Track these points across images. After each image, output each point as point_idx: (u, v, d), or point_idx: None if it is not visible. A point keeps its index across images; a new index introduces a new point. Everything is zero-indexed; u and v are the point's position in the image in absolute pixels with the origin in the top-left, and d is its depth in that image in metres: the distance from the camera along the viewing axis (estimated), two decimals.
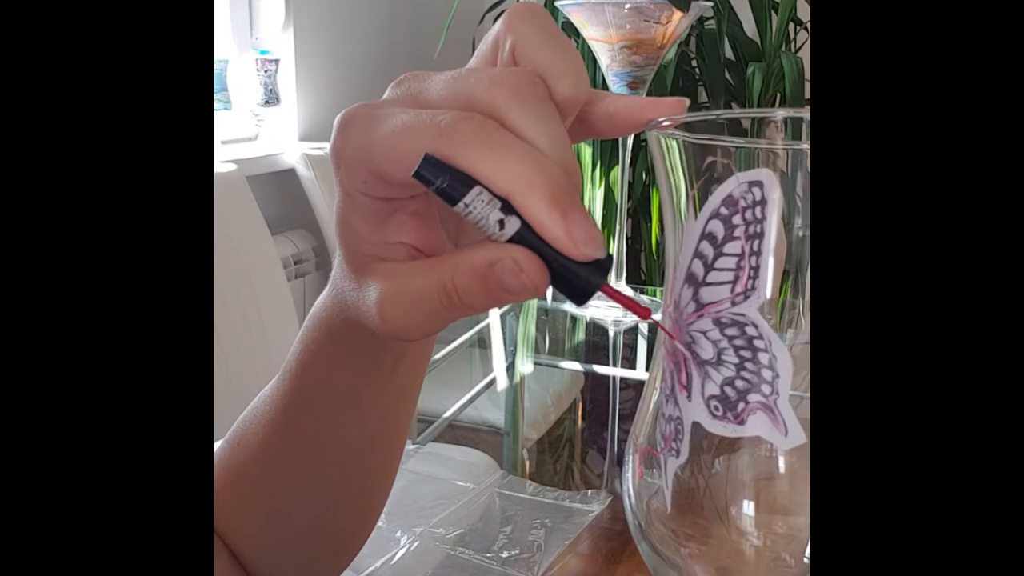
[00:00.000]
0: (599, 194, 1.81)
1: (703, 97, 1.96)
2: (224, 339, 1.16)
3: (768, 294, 0.22)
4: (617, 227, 0.97)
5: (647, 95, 0.89)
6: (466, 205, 0.25)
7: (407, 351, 0.36)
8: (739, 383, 0.22)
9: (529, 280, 0.25)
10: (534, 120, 0.26)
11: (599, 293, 0.25)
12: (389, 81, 0.29)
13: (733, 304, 0.22)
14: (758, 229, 0.22)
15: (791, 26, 1.92)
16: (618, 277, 0.95)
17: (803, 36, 2.01)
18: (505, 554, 0.54)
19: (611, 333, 0.98)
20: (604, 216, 1.83)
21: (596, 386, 0.90)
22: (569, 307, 1.05)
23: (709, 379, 0.22)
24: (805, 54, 1.91)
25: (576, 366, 0.93)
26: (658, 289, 2.03)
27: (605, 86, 1.24)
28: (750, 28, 1.98)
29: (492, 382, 0.90)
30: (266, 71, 1.90)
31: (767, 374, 0.22)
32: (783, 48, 1.88)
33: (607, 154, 1.82)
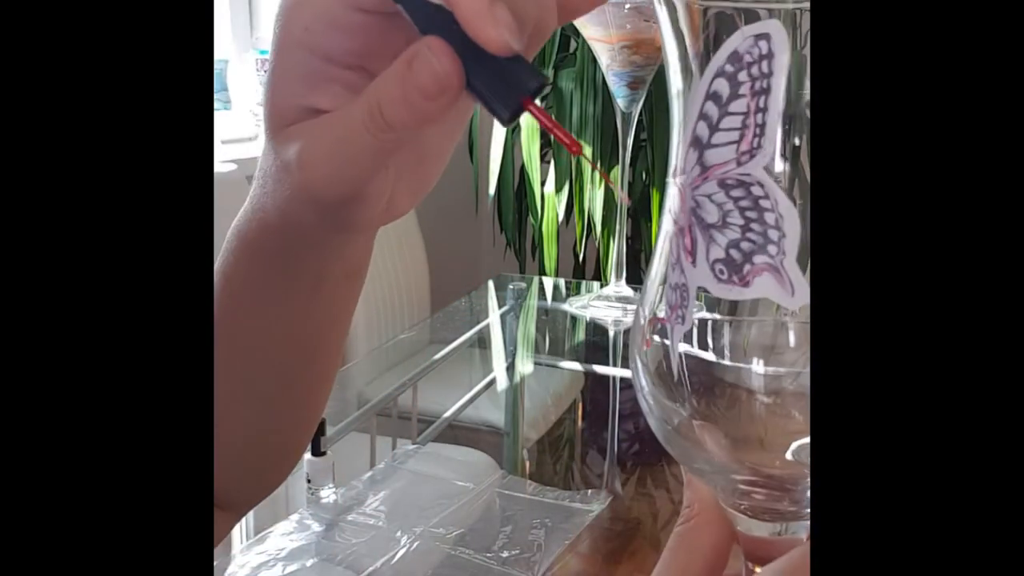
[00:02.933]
0: (599, 194, 1.80)
1: None
2: None
3: (775, 152, 0.21)
4: (617, 227, 0.97)
5: (648, 95, 0.89)
6: None
7: (329, 269, 0.35)
8: (744, 245, 0.21)
9: (439, 66, 0.25)
10: None
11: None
12: None
13: (739, 164, 0.21)
14: (764, 84, 0.21)
15: None
16: (618, 277, 0.95)
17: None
18: (505, 554, 0.54)
19: (611, 333, 0.98)
20: (604, 216, 1.83)
21: (596, 386, 0.90)
22: (568, 307, 1.05)
23: (714, 243, 0.22)
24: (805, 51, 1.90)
25: (576, 366, 0.93)
26: None
27: (605, 86, 1.24)
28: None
29: (492, 382, 0.90)
30: (266, 71, 1.90)
31: (773, 234, 0.21)
32: None
33: (607, 154, 1.82)
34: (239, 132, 1.89)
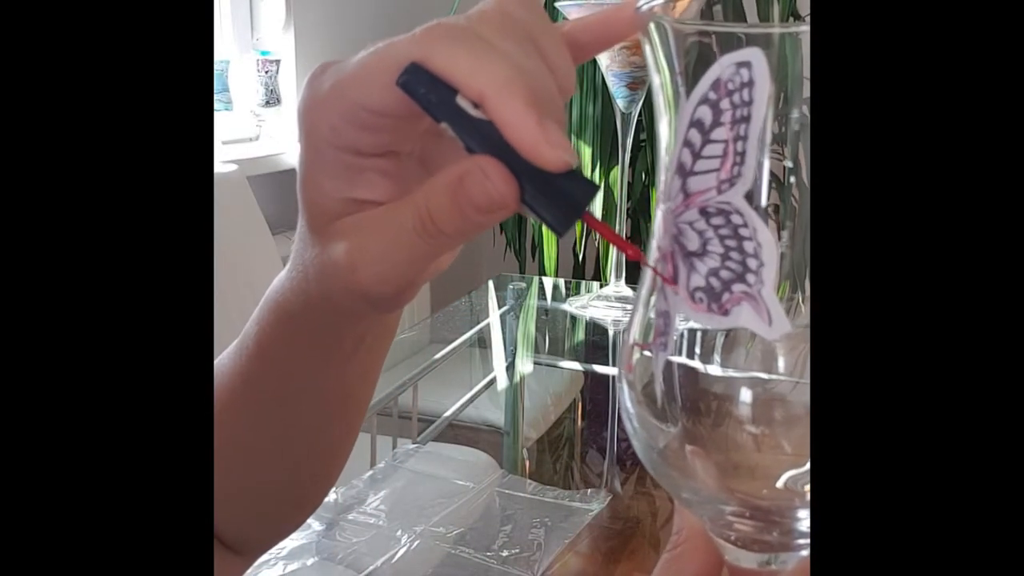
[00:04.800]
0: (599, 194, 1.81)
1: None
2: (224, 338, 1.15)
3: (755, 180, 0.21)
4: (617, 227, 0.97)
5: (647, 95, 0.89)
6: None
7: (366, 335, 0.35)
8: (724, 273, 0.21)
9: (494, 188, 0.24)
10: (514, 41, 0.25)
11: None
12: None
13: (719, 192, 0.21)
14: (745, 112, 0.21)
15: (790, 20, 1.92)
16: (618, 277, 0.95)
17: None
18: (505, 553, 0.55)
19: (611, 333, 0.98)
20: (604, 216, 1.83)
21: (596, 386, 0.90)
22: (568, 307, 1.05)
23: (695, 270, 0.22)
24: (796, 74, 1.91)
25: (576, 366, 0.93)
26: None
27: (605, 87, 1.24)
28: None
29: (492, 382, 0.90)
30: (267, 72, 1.90)
31: (752, 263, 0.21)
32: None
33: (607, 154, 1.82)
34: (239, 132, 1.89)
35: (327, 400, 0.38)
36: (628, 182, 1.36)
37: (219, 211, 1.18)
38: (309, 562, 0.54)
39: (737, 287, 0.21)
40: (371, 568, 0.53)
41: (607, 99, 1.71)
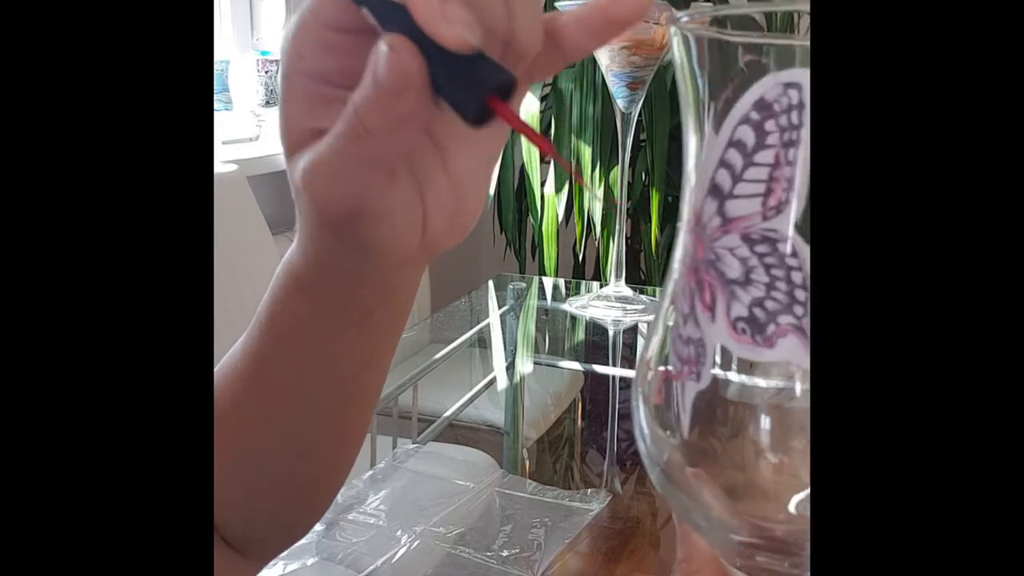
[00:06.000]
0: (599, 194, 1.81)
1: None
2: (224, 338, 1.15)
3: (803, 208, 0.20)
4: (617, 227, 0.97)
5: (647, 95, 0.89)
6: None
7: (374, 309, 0.35)
8: (769, 304, 0.20)
9: (400, 64, 0.25)
10: None
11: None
12: None
13: (764, 219, 0.20)
14: (794, 136, 0.20)
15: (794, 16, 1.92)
16: (618, 277, 0.95)
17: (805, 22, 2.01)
18: (505, 553, 0.55)
19: (611, 333, 0.98)
20: (604, 216, 1.83)
21: (596, 386, 0.90)
22: (568, 307, 1.05)
23: (736, 299, 0.21)
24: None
25: (576, 366, 0.93)
26: (658, 289, 2.03)
27: (605, 87, 1.24)
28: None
29: (492, 382, 0.90)
30: (267, 71, 1.90)
31: (800, 294, 0.20)
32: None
33: (607, 154, 1.82)
34: (239, 132, 1.89)
35: (337, 380, 0.38)
36: (628, 182, 1.36)
37: (219, 211, 1.18)
38: (309, 562, 0.54)
39: (784, 319, 0.20)
40: (371, 568, 0.53)
41: (607, 99, 1.71)
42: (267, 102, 1.92)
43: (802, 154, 0.20)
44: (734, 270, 0.21)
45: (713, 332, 0.21)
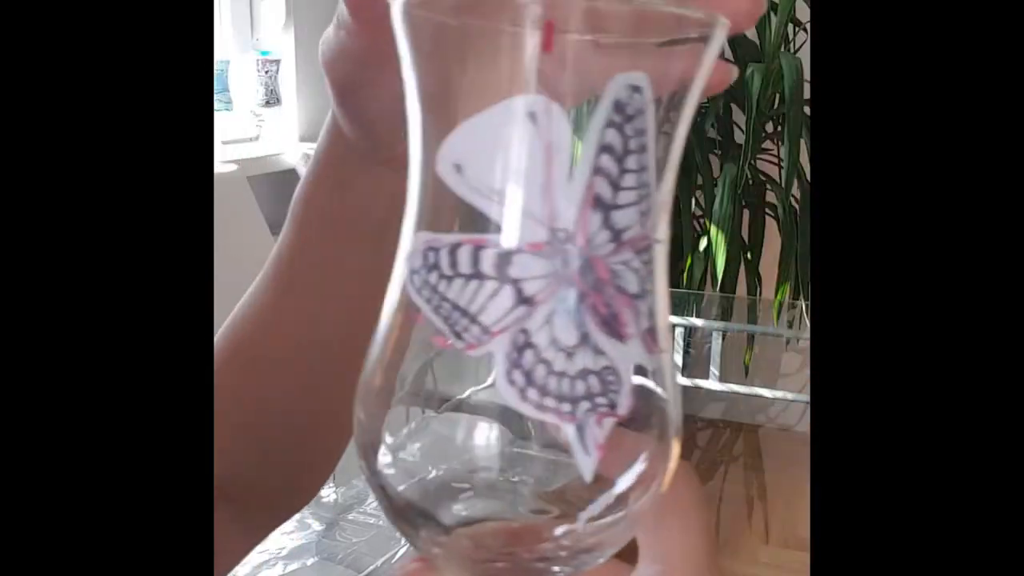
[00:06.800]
0: None
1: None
2: None
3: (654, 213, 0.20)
4: None
5: None
6: None
7: (387, 223, 0.34)
8: (662, 312, 0.20)
9: None
10: None
11: None
12: None
13: (642, 227, 0.19)
14: (643, 143, 0.19)
15: (790, 27, 1.92)
16: None
17: (802, 37, 2.01)
18: None
19: None
20: None
21: None
22: None
23: (640, 314, 0.20)
24: (804, 55, 1.91)
25: None
26: None
27: None
28: (749, 29, 1.98)
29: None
30: (267, 72, 1.90)
31: (661, 300, 0.20)
32: (782, 49, 1.88)
33: None
34: (239, 132, 1.89)
35: (352, 307, 0.37)
36: None
37: (219, 211, 1.18)
38: (309, 562, 0.54)
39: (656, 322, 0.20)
40: (371, 568, 0.53)
41: None
42: (267, 102, 1.92)
43: (649, 159, 0.19)
44: (633, 285, 0.19)
45: (624, 353, 0.19)
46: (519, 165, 0.19)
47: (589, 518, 0.20)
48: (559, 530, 0.20)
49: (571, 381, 0.19)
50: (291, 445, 0.41)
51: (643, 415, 0.20)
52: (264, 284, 0.40)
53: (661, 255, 0.20)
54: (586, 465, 0.19)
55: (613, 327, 0.19)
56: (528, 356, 0.19)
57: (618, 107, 0.18)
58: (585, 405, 0.19)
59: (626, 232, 0.19)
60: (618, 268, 0.19)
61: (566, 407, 0.19)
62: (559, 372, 0.19)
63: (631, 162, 0.19)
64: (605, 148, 0.19)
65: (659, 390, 0.20)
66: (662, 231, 0.20)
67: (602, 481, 0.19)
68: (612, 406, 0.19)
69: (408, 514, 0.21)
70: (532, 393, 0.19)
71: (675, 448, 0.20)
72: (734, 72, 0.25)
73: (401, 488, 0.21)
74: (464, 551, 0.21)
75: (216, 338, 0.41)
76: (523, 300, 0.19)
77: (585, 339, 0.19)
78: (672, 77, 0.19)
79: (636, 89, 0.18)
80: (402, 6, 0.19)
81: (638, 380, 0.20)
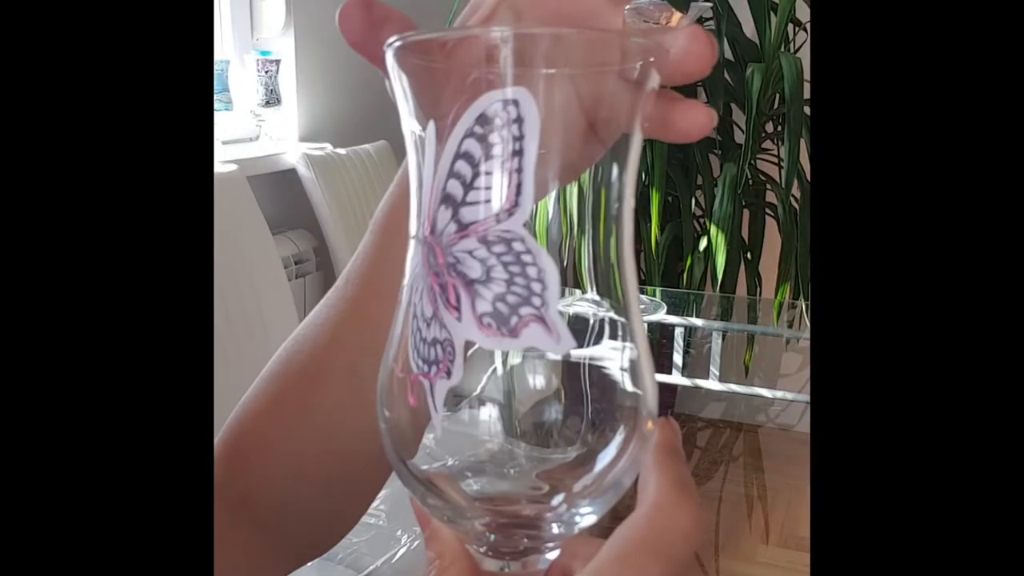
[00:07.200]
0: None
1: (702, 97, 1.96)
2: (224, 339, 1.16)
3: (533, 209, 0.23)
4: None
5: None
6: None
7: None
8: (510, 298, 0.23)
9: None
10: None
11: None
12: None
13: (498, 221, 0.23)
14: (519, 146, 0.22)
15: (790, 27, 1.92)
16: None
17: (802, 37, 2.01)
18: None
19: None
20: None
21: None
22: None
23: (480, 297, 0.23)
24: (804, 55, 1.91)
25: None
26: (658, 289, 2.03)
27: None
28: (749, 29, 1.98)
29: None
30: (267, 72, 1.90)
31: (536, 287, 0.23)
32: (782, 49, 1.88)
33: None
34: (239, 132, 1.89)
35: None
36: None
37: (219, 211, 1.18)
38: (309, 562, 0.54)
39: (525, 310, 0.23)
40: (371, 568, 0.53)
41: None
42: (267, 102, 1.92)
43: (528, 161, 0.22)
44: (475, 271, 0.23)
45: (460, 329, 0.23)
46: (416, 176, 0.25)
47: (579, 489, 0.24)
48: (555, 500, 0.24)
49: (428, 346, 0.24)
50: (350, 461, 0.40)
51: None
52: (341, 295, 0.38)
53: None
54: (436, 421, 0.24)
55: (451, 305, 0.23)
56: (414, 323, 0.24)
57: (481, 119, 0.22)
58: (435, 368, 0.24)
59: (472, 226, 0.23)
60: (460, 255, 0.23)
61: (424, 367, 0.24)
62: (423, 338, 0.24)
63: (491, 166, 0.22)
64: (462, 155, 0.23)
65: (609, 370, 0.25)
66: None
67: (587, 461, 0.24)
68: (448, 373, 0.23)
69: (433, 489, 0.25)
70: (414, 352, 0.24)
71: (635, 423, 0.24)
72: (711, 48, 0.27)
73: (424, 468, 0.25)
74: (478, 514, 0.25)
75: (280, 351, 0.40)
76: (413, 278, 0.24)
77: (435, 314, 0.24)
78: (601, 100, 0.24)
79: (512, 103, 0.22)
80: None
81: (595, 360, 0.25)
